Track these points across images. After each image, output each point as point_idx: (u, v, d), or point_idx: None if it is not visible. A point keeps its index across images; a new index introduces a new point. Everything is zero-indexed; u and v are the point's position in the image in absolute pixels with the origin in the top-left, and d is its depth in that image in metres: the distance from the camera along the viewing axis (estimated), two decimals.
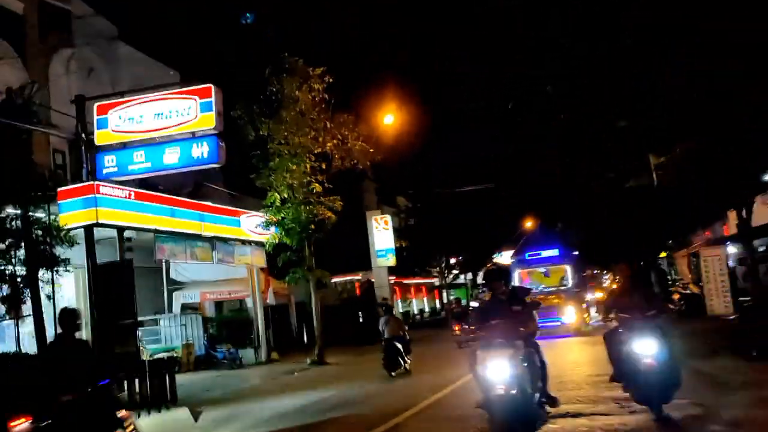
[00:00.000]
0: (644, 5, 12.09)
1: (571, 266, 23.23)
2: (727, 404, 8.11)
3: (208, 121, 15.14)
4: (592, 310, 24.52)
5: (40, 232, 13.05)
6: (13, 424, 5.82)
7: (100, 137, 15.74)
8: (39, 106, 15.62)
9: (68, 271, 13.93)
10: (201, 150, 15.20)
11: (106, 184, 15.44)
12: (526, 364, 6.82)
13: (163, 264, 19.63)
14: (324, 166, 20.23)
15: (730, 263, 19.53)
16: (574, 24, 13.15)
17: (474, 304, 30.82)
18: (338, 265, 27.51)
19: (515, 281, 21.32)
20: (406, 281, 42.50)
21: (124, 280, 14.65)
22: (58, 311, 14.52)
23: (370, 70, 42.67)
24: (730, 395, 8.64)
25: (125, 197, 15.80)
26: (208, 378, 17.46)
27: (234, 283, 22.63)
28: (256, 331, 21.64)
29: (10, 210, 12.86)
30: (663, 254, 32.48)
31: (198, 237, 18.74)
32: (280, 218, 19.82)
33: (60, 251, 13.35)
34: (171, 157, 15.43)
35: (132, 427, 6.75)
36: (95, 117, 15.88)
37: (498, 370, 6.65)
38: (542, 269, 23.39)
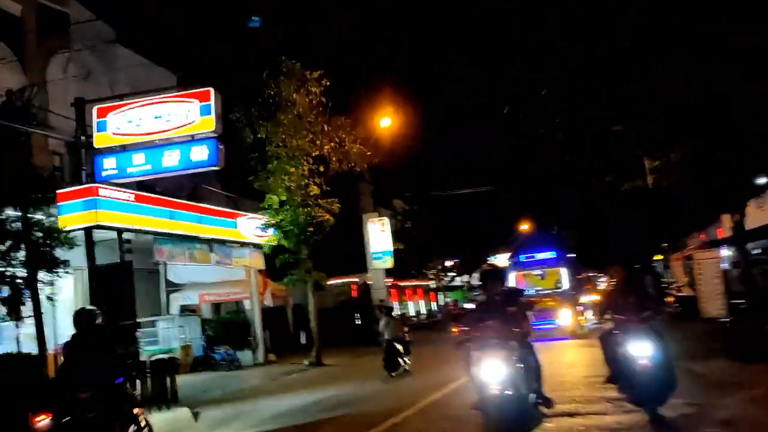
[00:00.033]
0: (642, 8, 12.12)
1: (566, 269, 23.22)
2: (721, 404, 8.20)
3: (208, 124, 15.24)
4: (588, 313, 24.63)
5: (40, 234, 13.11)
6: (36, 420, 6.11)
7: (99, 140, 15.82)
8: (38, 108, 15.71)
9: (68, 272, 14.01)
10: (200, 153, 15.29)
11: (105, 186, 15.53)
12: (520, 365, 6.81)
13: (161, 266, 19.71)
14: (322, 169, 20.37)
15: (724, 266, 19.65)
16: (572, 27, 13.15)
17: (468, 305, 30.92)
18: (335, 268, 27.59)
19: (511, 283, 21.40)
20: (402, 283, 42.59)
21: (124, 282, 14.74)
22: (58, 312, 14.75)
23: (368, 73, 42.83)
24: (724, 396, 8.72)
25: (125, 200, 15.90)
26: (206, 379, 17.54)
27: (232, 285, 22.70)
28: (254, 333, 21.72)
29: (10, 212, 12.92)
30: (658, 257, 32.67)
31: (197, 239, 18.85)
32: (278, 220, 19.95)
33: (60, 253, 13.42)
34: (170, 159, 15.51)
35: (145, 422, 7.02)
36: (95, 120, 15.96)
37: (493, 371, 6.67)
38: (538, 271, 23.38)
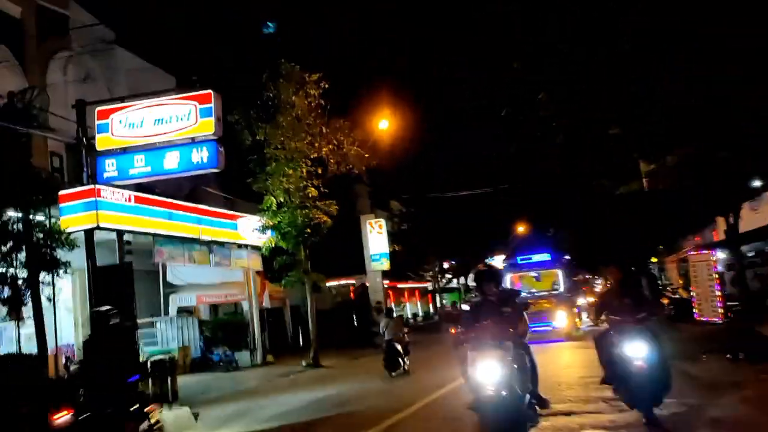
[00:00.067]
0: (643, 10, 12.10)
1: (562, 270, 23.33)
2: (715, 405, 8.33)
3: (208, 126, 15.34)
4: (584, 315, 24.76)
5: (41, 235, 13.20)
6: (56, 416, 6.38)
7: (100, 142, 15.91)
8: (39, 110, 15.79)
9: (68, 273, 14.10)
10: (201, 155, 15.39)
11: (106, 187, 15.62)
12: (516, 365, 6.79)
13: (159, 267, 19.81)
14: (320, 171, 20.49)
15: (719, 268, 19.80)
16: (573, 29, 13.12)
17: (464, 306, 31.05)
18: (332, 269, 27.70)
19: (507, 285, 21.52)
20: (399, 285, 42.73)
21: (124, 283, 14.85)
22: (57, 312, 14.81)
23: (367, 75, 42.87)
24: (718, 396, 8.85)
25: (126, 201, 16.00)
26: (204, 380, 17.63)
27: (230, 286, 22.79)
28: (252, 334, 21.81)
29: (11, 213, 13.00)
30: (654, 259, 32.84)
31: (196, 240, 18.94)
32: (276, 222, 20.05)
33: (60, 254, 13.51)
34: (171, 161, 15.60)
35: (157, 418, 7.35)
36: (96, 122, 16.05)
37: (488, 371, 6.66)
38: (534, 273, 23.44)
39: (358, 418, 10.27)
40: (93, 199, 15.10)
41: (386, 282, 35.48)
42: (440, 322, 37.36)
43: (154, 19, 24.87)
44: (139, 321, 18.56)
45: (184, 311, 22.64)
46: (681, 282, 25.38)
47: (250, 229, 21.25)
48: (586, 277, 38.84)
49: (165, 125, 15.63)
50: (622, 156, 17.49)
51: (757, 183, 16.82)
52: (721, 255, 20.05)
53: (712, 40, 11.15)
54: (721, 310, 18.34)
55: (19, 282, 12.96)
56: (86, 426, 6.40)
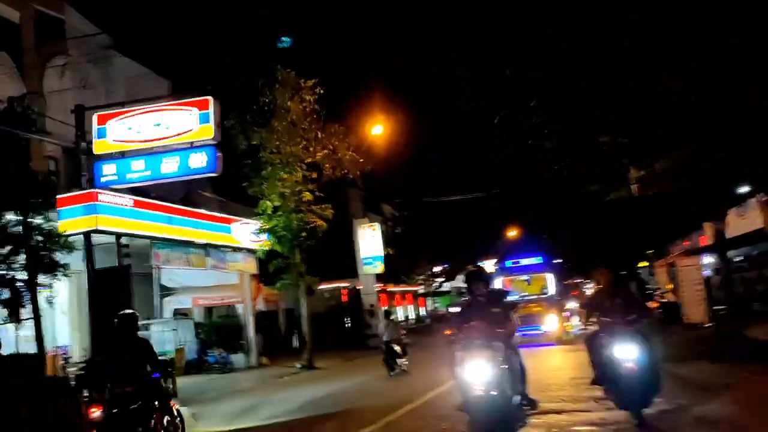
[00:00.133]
0: (642, 8, 12.15)
1: (552, 274, 23.40)
2: (703, 405, 8.48)
3: (207, 131, 15.53)
4: (574, 318, 24.95)
5: (40, 238, 13.34)
6: (90, 411, 7.02)
7: (99, 146, 16.07)
8: (38, 115, 15.93)
9: (66, 276, 14.24)
10: (199, 160, 15.57)
11: (105, 191, 15.78)
12: (505, 366, 6.75)
13: (155, 270, 19.93)
14: (315, 176, 20.69)
15: (706, 273, 20.08)
16: (572, 26, 13.14)
17: (453, 309, 31.30)
18: (326, 273, 27.87)
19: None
20: (391, 289, 42.89)
21: (122, 285, 15.00)
22: (55, 314, 14.87)
23: (363, 78, 42.87)
24: (707, 397, 8.98)
25: (124, 205, 16.16)
26: (200, 381, 17.78)
27: (225, 289, 22.93)
28: (247, 337, 21.97)
29: (10, 216, 13.14)
30: (643, 264, 33.16)
31: (192, 244, 19.10)
32: (271, 226, 20.24)
33: (59, 257, 13.65)
34: (169, 166, 15.78)
35: (176, 413, 7.93)
36: (95, 126, 16.21)
37: (477, 372, 6.62)
38: (524, 277, 23.44)
39: (356, 416, 10.48)
40: (91, 202, 15.26)
41: (379, 285, 35.68)
42: (432, 325, 37.59)
43: (150, 23, 25.01)
44: None
45: (179, 314, 22.76)
46: (670, 286, 25.69)
47: (245, 233, 21.42)
48: (577, 281, 39.13)
49: (164, 130, 15.82)
50: (612, 162, 17.65)
51: (743, 189, 17.11)
52: (708, 260, 20.36)
53: (711, 37, 11.04)
54: (708, 314, 18.63)
55: (18, 284, 13.12)
56: (117, 419, 6.92)
